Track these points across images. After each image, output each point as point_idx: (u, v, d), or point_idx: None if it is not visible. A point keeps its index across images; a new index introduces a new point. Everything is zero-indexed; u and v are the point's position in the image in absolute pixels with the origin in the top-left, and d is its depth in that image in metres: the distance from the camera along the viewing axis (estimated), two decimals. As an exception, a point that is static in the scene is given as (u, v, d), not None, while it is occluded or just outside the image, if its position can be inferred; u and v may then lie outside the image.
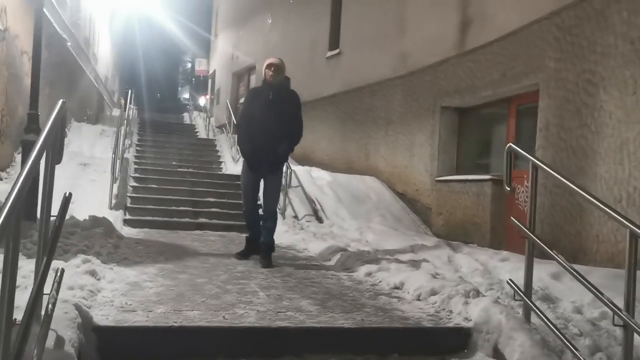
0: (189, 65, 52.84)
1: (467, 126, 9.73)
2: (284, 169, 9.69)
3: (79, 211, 8.15)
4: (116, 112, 21.94)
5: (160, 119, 23.80)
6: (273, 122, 5.44)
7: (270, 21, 17.37)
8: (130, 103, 18.81)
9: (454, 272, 4.95)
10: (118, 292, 3.69)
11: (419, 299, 4.06)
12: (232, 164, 12.95)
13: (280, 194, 9.62)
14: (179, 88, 57.90)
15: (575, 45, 6.78)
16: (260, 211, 5.88)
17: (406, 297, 4.18)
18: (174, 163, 12.64)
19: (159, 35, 40.23)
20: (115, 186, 8.74)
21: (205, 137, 17.84)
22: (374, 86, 11.82)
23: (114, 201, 8.35)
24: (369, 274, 4.99)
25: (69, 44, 13.50)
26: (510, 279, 3.35)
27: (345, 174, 11.69)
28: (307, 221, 9.17)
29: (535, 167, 3.31)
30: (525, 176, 8.08)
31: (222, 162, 13.71)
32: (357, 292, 4.31)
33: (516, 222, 3.31)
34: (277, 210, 6.11)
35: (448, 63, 9.48)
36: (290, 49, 16.17)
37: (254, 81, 18.60)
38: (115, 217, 7.99)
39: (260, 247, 5.57)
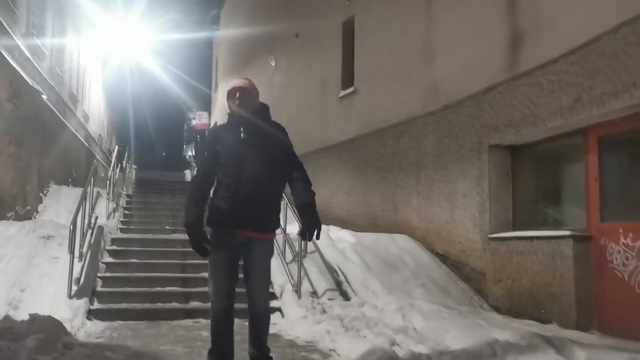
0: (194, 122, 51.81)
1: (523, 168, 7.74)
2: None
3: (28, 304, 6.18)
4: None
5: (159, 177, 22.29)
6: (252, 169, 3.64)
7: (273, 63, 15.73)
8: (126, 161, 17.16)
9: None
10: None
11: None
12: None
13: (291, 264, 7.74)
14: (184, 145, 56.71)
15: (695, 47, 4.88)
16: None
17: None
18: (167, 228, 10.82)
19: (160, 94, 39.14)
20: (79, 266, 6.75)
21: (206, 194, 15.96)
22: (398, 126, 9.91)
23: (74, 287, 6.33)
24: (452, 422, 2.92)
25: (44, 96, 11.82)
26: None
27: (370, 232, 9.66)
28: (330, 299, 7.12)
29: None
30: (621, 230, 6.06)
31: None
32: None
33: None
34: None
35: (495, 90, 7.59)
36: (297, 92, 14.43)
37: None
38: (76, 310, 6.03)
39: None
